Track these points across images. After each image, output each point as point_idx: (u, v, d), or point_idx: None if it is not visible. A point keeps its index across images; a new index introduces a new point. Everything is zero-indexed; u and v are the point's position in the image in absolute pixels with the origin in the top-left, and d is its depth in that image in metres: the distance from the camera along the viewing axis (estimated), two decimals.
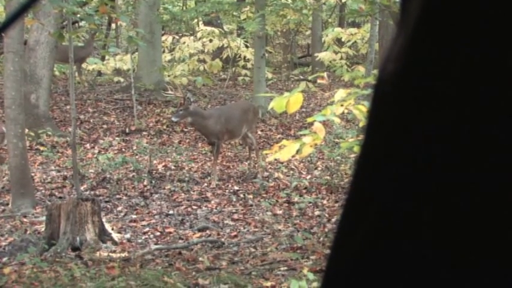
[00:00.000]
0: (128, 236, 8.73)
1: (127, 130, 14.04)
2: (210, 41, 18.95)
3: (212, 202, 10.27)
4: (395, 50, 0.65)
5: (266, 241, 8.44)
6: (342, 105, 5.50)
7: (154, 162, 11.92)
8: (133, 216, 9.58)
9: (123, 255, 7.81)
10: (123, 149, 12.95)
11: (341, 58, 18.91)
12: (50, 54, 13.33)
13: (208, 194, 10.62)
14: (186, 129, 13.85)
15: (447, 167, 0.61)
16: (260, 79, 15.24)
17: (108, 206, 10.00)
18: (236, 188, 10.94)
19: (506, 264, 0.59)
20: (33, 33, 13.16)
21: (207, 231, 8.95)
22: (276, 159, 7.64)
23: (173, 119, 11.43)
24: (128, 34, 11.72)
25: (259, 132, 13.66)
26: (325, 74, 6.62)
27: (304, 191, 10.58)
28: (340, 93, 5.57)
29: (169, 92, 11.69)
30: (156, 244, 8.42)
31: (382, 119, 0.66)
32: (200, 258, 7.63)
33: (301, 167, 11.89)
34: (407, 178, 0.62)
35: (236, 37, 19.84)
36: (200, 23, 20.10)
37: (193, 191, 10.74)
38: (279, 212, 9.69)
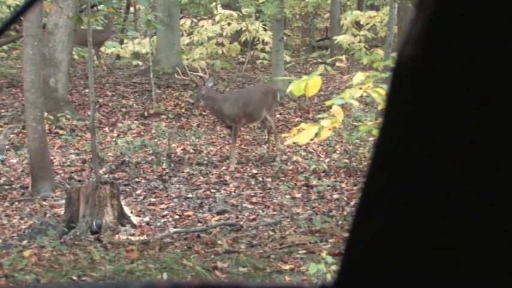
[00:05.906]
0: (146, 219, 8.77)
1: (146, 113, 14.07)
2: (229, 24, 18.90)
3: (231, 185, 10.28)
4: (414, 33, 0.65)
5: (284, 224, 8.45)
6: (360, 88, 5.48)
7: (173, 145, 11.95)
8: (152, 200, 9.62)
9: (142, 238, 7.85)
10: (142, 133, 12.98)
11: (360, 41, 18.79)
12: (68, 38, 13.36)
13: (227, 178, 10.63)
14: (204, 113, 13.86)
15: (466, 149, 0.60)
16: (278, 62, 15.22)
17: (127, 189, 10.04)
18: (255, 171, 10.95)
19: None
20: (52, 17, 13.19)
21: (226, 215, 8.97)
22: (294, 143, 7.64)
23: (190, 100, 11.70)
24: (146, 18, 11.70)
25: (278, 116, 13.65)
26: (343, 57, 6.60)
27: (322, 174, 10.57)
28: (359, 76, 5.55)
29: (198, 73, 11.58)
30: (174, 227, 8.45)
31: (400, 102, 0.66)
32: (219, 242, 7.65)
33: (320, 150, 11.87)
34: (425, 161, 0.62)
35: (254, 20, 19.77)
36: (218, 6, 20.07)
37: (212, 175, 10.76)
38: (298, 195, 9.69)
